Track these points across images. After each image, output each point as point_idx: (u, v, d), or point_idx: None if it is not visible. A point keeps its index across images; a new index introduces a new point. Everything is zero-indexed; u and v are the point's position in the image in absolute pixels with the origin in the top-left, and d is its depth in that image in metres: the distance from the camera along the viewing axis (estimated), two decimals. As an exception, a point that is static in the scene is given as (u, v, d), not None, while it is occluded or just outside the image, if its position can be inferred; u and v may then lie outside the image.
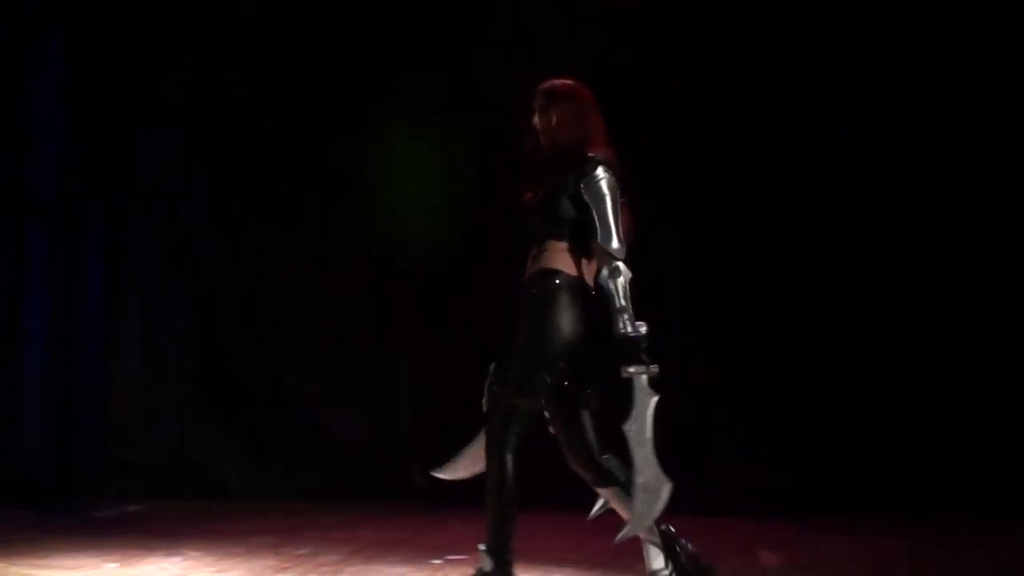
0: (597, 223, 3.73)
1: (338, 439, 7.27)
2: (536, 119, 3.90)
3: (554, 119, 3.87)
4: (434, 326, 7.18)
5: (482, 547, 3.90)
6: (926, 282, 6.84)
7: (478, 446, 3.97)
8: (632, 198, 3.92)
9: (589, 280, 3.83)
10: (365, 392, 7.32)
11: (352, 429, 7.30)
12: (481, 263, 6.78)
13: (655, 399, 3.66)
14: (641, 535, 3.84)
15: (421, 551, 5.24)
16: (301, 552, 5.21)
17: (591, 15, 6.88)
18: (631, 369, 3.64)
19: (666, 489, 3.68)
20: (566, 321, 3.75)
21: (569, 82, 3.95)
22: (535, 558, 5.08)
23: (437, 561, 5.04)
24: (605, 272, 3.73)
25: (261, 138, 7.32)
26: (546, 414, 3.88)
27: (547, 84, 3.94)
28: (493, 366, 3.89)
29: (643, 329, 3.69)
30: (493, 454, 3.88)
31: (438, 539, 5.61)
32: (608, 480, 3.81)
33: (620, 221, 3.75)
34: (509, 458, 3.87)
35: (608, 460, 3.81)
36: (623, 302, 3.68)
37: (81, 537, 5.61)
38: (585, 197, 3.75)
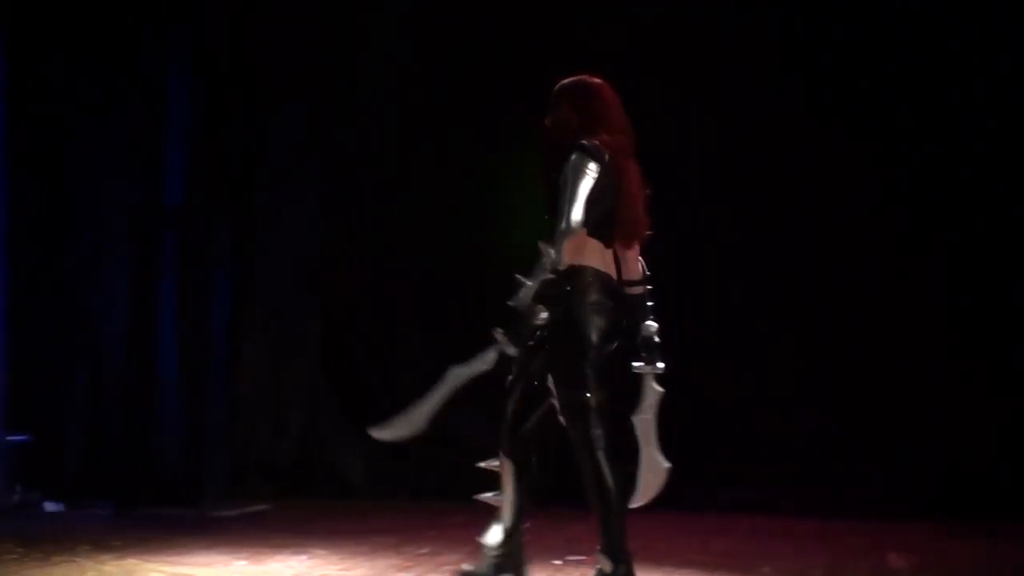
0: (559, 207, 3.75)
1: (457, 439, 7.31)
2: (547, 118, 3.96)
3: (560, 115, 3.93)
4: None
5: (599, 548, 3.89)
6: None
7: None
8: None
9: (611, 267, 3.90)
10: (484, 392, 7.36)
11: (471, 429, 7.35)
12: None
13: (484, 369, 3.83)
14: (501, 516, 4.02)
15: (540, 551, 5.22)
16: (422, 552, 5.27)
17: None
18: (496, 333, 3.78)
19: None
20: (577, 311, 3.80)
21: (581, 78, 3.98)
22: (659, 559, 5.06)
23: (557, 562, 5.04)
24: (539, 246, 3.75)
25: (383, 144, 7.43)
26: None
27: (560, 82, 3.98)
28: None
29: (541, 316, 3.77)
30: (585, 457, 3.90)
31: (556, 539, 5.59)
32: (508, 451, 3.95)
33: (578, 204, 3.73)
34: (602, 457, 3.88)
35: (526, 434, 3.95)
36: (532, 278, 3.72)
37: (211, 535, 5.77)
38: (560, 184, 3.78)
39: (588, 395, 3.84)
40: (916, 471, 6.75)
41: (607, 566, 3.88)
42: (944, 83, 6.83)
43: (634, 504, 3.99)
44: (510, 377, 3.98)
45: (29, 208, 6.90)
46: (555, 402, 3.91)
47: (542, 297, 3.77)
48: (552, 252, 3.73)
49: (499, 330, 3.80)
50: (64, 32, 7.02)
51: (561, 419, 3.92)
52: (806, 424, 7.00)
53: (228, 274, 7.34)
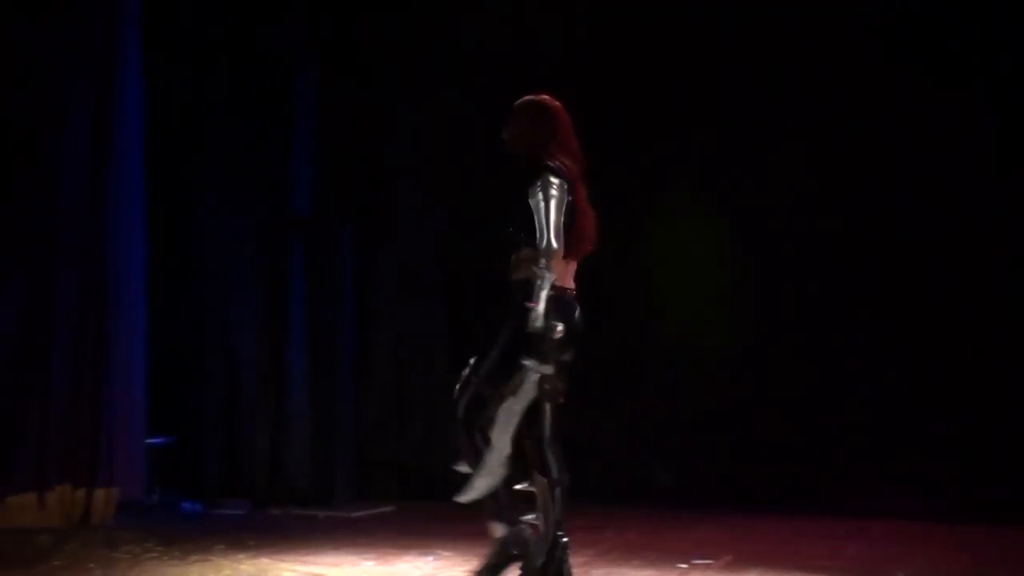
0: (536, 226, 4.00)
1: (581, 440, 7.31)
2: (504, 132, 4.22)
3: (515, 132, 4.19)
4: (681, 331, 7.18)
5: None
6: None
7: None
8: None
9: (569, 281, 4.13)
10: (607, 394, 7.35)
11: (595, 430, 7.34)
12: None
13: (533, 396, 3.98)
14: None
15: (665, 554, 5.22)
16: (547, 553, 5.26)
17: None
18: (527, 362, 3.94)
19: (501, 475, 4.05)
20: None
21: (535, 97, 4.24)
22: (790, 562, 4.98)
23: (683, 565, 5.00)
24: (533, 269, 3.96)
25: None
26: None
27: (523, 99, 4.23)
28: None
29: (558, 329, 3.93)
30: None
31: (682, 542, 5.57)
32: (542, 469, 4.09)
33: (556, 223, 3.99)
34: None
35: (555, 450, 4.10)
36: (537, 300, 3.89)
37: (340, 536, 5.90)
38: (530, 203, 4.02)
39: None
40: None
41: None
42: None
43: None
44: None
45: (165, 220, 7.14)
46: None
47: (549, 312, 3.93)
48: (545, 271, 3.94)
49: (528, 358, 3.96)
50: (197, 46, 7.25)
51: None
52: (942, 428, 6.84)
53: (354, 280, 7.49)
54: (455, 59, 7.46)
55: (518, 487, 4.19)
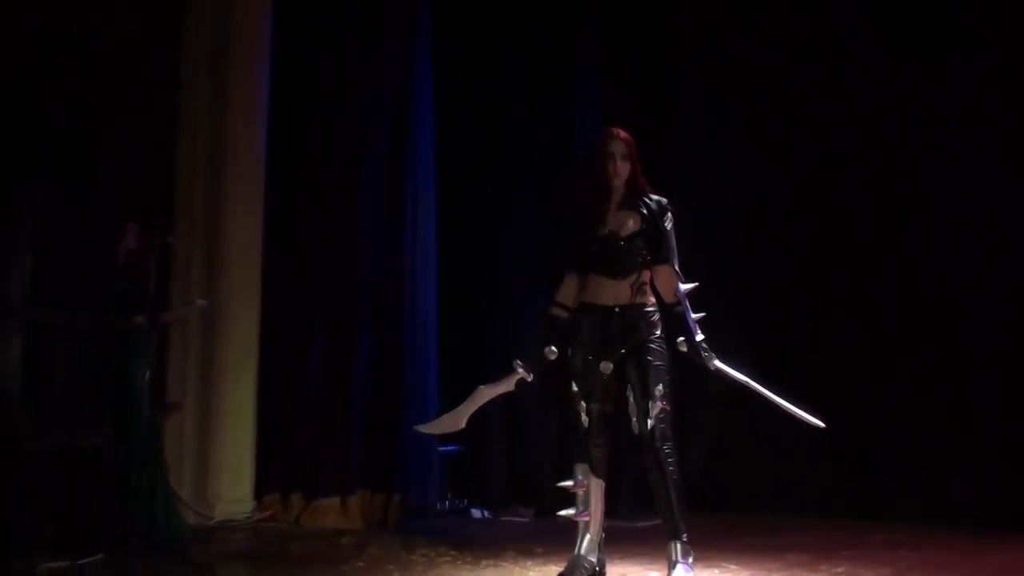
0: (673, 250, 4.54)
1: (883, 456, 7.03)
2: (625, 164, 4.54)
3: (637, 166, 4.57)
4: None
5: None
6: None
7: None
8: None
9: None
10: (907, 410, 7.04)
11: (894, 446, 7.04)
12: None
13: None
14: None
15: (969, 575, 4.93)
16: (838, 570, 5.12)
17: None
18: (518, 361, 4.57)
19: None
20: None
21: (623, 129, 4.61)
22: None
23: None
24: (679, 288, 4.50)
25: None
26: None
27: (625, 134, 4.58)
28: None
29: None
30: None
31: (989, 562, 5.24)
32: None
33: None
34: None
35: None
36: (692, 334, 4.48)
37: (624, 545, 5.86)
38: (668, 229, 4.55)
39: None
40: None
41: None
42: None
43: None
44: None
45: (457, 232, 7.40)
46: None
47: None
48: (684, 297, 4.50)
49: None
50: (481, 56, 7.51)
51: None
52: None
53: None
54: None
55: (560, 484, 4.68)
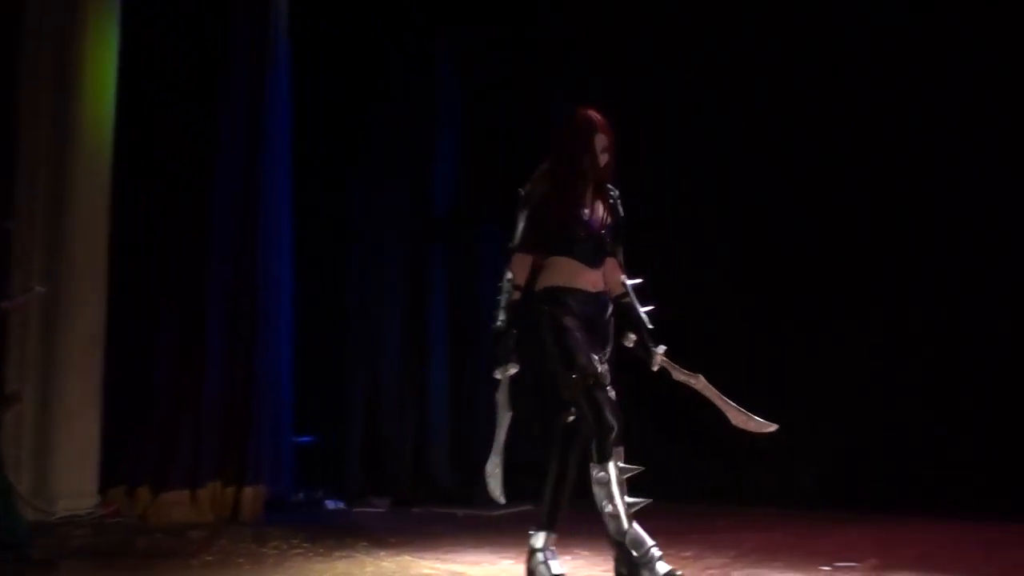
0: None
1: (727, 442, 7.22)
2: (606, 156, 4.37)
3: (612, 157, 4.39)
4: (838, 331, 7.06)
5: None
6: None
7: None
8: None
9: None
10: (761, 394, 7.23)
11: (741, 432, 7.23)
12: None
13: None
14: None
15: (808, 556, 5.10)
16: (686, 554, 5.22)
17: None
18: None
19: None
20: None
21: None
22: (937, 568, 4.82)
23: (826, 568, 4.88)
24: (626, 280, 4.43)
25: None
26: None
27: (606, 122, 4.38)
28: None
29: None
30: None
31: (826, 544, 5.43)
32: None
33: None
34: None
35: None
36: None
37: (479, 534, 5.95)
38: (622, 220, 4.47)
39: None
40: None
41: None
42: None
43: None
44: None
45: (310, 222, 7.32)
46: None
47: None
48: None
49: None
50: (339, 48, 7.41)
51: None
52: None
53: (495, 280, 7.53)
54: (610, 51, 7.45)
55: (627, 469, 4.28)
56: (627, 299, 4.40)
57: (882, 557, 5.09)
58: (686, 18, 7.37)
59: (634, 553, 4.14)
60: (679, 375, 4.40)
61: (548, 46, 7.59)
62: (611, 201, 4.44)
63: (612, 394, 4.23)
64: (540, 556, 4.43)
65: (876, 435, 7.03)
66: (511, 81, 7.50)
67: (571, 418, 4.37)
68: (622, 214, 4.46)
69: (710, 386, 4.40)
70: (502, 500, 4.46)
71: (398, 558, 5.17)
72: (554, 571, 4.38)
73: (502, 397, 4.40)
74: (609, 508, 4.14)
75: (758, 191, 7.31)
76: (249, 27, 6.71)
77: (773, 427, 4.37)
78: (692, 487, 7.03)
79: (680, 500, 6.81)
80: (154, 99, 6.78)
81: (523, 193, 4.39)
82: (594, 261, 4.38)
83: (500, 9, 7.50)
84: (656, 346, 4.36)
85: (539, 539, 4.47)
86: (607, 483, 4.13)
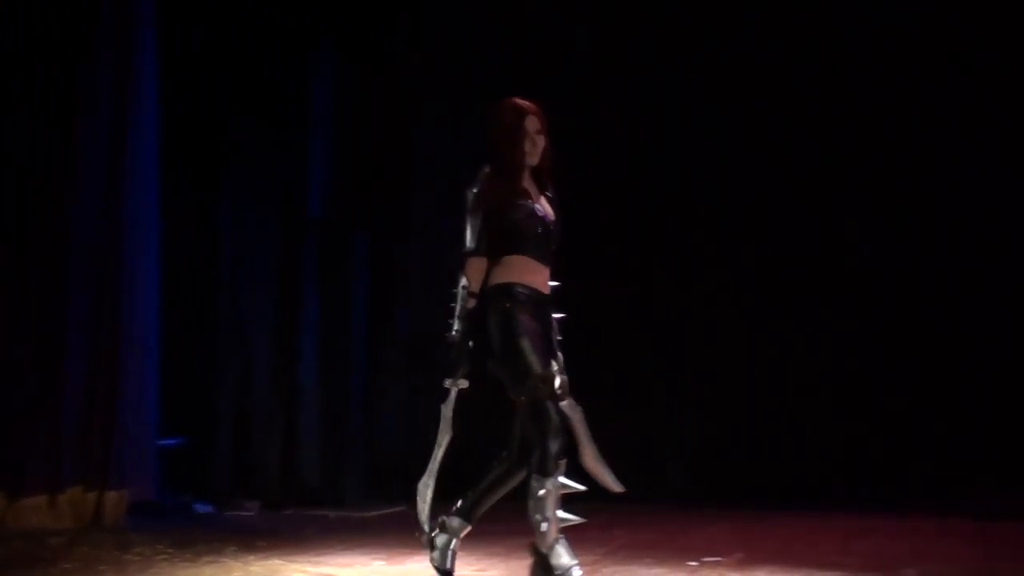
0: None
1: (596, 439, 7.31)
2: (541, 139, 4.24)
3: (548, 143, 4.25)
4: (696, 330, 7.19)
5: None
6: None
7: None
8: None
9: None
10: (622, 393, 7.34)
11: (610, 428, 7.33)
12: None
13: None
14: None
15: (676, 552, 5.20)
16: (557, 552, 5.26)
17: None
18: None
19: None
20: None
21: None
22: (800, 560, 4.96)
23: (693, 563, 4.98)
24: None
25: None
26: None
27: (536, 105, 4.26)
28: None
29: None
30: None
31: (694, 540, 5.55)
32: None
33: None
34: None
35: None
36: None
37: (351, 536, 5.90)
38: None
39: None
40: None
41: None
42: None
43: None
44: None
45: (179, 222, 7.15)
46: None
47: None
48: None
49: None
50: (214, 45, 7.24)
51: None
52: (956, 427, 6.85)
53: (369, 286, 7.48)
54: (479, 56, 7.46)
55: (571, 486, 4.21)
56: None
57: (746, 551, 5.23)
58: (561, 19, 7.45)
59: (556, 570, 4.09)
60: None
61: (423, 52, 7.56)
62: (550, 194, 4.30)
63: (575, 408, 4.14)
64: (451, 542, 4.30)
65: (738, 431, 7.22)
66: (385, 86, 7.46)
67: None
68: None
69: (583, 422, 4.21)
70: (425, 527, 4.28)
71: (267, 562, 5.09)
72: (448, 565, 4.30)
73: (447, 412, 4.19)
74: (541, 521, 4.08)
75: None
76: (113, 11, 6.47)
77: (620, 488, 4.27)
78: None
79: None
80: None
81: (471, 195, 4.22)
82: (547, 258, 4.21)
83: (376, 15, 7.44)
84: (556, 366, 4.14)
85: (455, 523, 4.31)
86: (544, 497, 4.05)
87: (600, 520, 6.15)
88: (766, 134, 7.32)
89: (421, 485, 4.25)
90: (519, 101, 4.26)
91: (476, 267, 4.17)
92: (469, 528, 4.33)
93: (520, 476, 4.19)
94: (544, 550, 4.10)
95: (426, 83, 7.57)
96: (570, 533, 5.69)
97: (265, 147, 7.27)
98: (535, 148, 4.22)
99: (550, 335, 4.17)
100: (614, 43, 7.41)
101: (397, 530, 6.10)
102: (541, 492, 4.05)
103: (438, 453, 4.22)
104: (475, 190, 4.21)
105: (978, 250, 7.10)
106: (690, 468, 7.40)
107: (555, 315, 4.21)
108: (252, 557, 5.19)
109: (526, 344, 4.05)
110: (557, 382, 4.08)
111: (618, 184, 7.47)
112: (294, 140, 7.30)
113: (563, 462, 4.10)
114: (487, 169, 4.24)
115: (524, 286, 4.13)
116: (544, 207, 4.25)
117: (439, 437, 4.22)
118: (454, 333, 4.15)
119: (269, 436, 7.20)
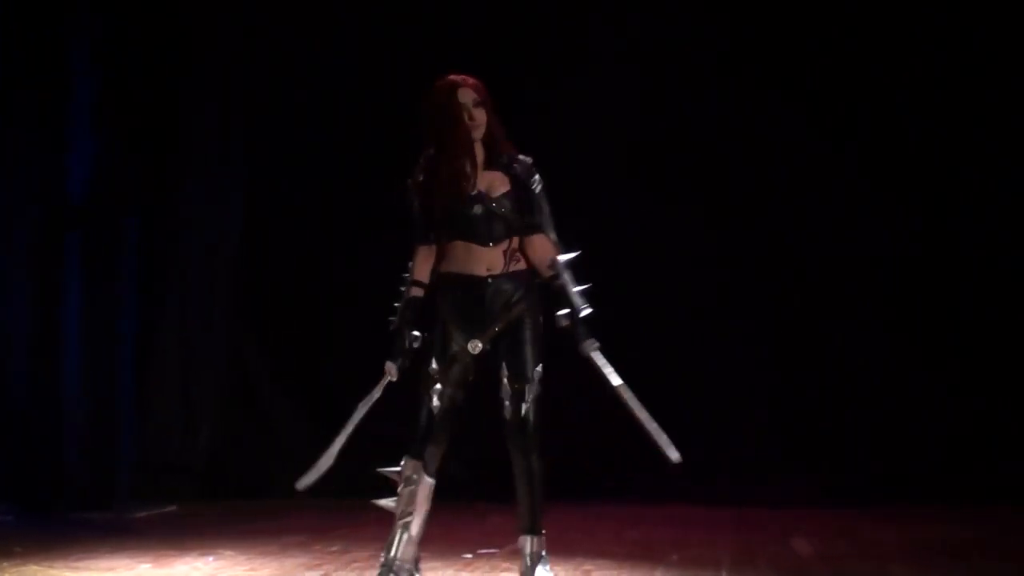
0: (547, 216, 4.02)
1: (376, 436, 7.26)
2: (480, 111, 3.99)
3: (491, 115, 4.01)
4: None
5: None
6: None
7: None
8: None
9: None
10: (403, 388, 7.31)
11: (390, 425, 7.30)
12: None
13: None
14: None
15: (453, 545, 5.23)
16: (333, 549, 5.23)
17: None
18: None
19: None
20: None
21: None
22: (572, 549, 5.07)
23: (468, 556, 5.03)
24: (557, 259, 3.96)
25: (298, 144, 7.38)
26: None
27: (473, 79, 4.02)
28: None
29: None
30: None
31: (471, 533, 5.60)
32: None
33: None
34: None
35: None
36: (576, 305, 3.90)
37: (117, 538, 5.68)
38: (538, 193, 4.03)
39: None
40: (827, 462, 6.95)
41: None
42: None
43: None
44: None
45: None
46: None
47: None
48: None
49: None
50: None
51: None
52: (728, 415, 7.12)
53: (138, 276, 7.21)
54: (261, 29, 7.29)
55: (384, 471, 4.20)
56: (558, 281, 3.92)
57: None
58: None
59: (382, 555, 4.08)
60: (602, 372, 3.90)
61: (190, 37, 7.33)
62: (510, 171, 4.01)
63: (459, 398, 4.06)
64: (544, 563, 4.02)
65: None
66: (151, 71, 7.18)
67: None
68: (534, 183, 4.00)
69: (630, 397, 3.89)
70: (300, 487, 4.18)
71: (23, 568, 4.82)
72: None
73: (375, 393, 4.07)
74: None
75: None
76: None
77: (676, 458, 3.85)
78: (345, 483, 7.03)
79: (330, 496, 6.81)
80: None
81: (410, 182, 4.02)
82: (488, 238, 3.96)
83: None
84: (587, 338, 3.87)
85: (535, 545, 4.04)
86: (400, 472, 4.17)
87: (379, 516, 6.12)
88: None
89: (325, 456, 4.18)
90: (451, 76, 4.03)
91: (419, 255, 4.03)
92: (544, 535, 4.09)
93: (520, 460, 4.06)
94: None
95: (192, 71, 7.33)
96: (349, 528, 5.70)
97: (21, 133, 6.86)
98: (475, 122, 3.98)
99: (482, 314, 3.95)
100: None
101: (168, 531, 5.92)
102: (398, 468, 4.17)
103: (348, 427, 4.13)
104: (412, 177, 4.04)
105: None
106: (467, 462, 7.44)
107: (578, 286, 3.92)
108: (6, 564, 4.90)
109: (435, 337, 4.02)
110: (455, 370, 4.00)
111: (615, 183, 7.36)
112: (53, 126, 6.93)
113: (413, 463, 4.14)
114: (430, 151, 4.02)
115: (451, 276, 4.00)
116: (487, 182, 4.00)
117: (354, 415, 4.14)
118: (391, 320, 4.02)
119: (31, 436, 6.84)
